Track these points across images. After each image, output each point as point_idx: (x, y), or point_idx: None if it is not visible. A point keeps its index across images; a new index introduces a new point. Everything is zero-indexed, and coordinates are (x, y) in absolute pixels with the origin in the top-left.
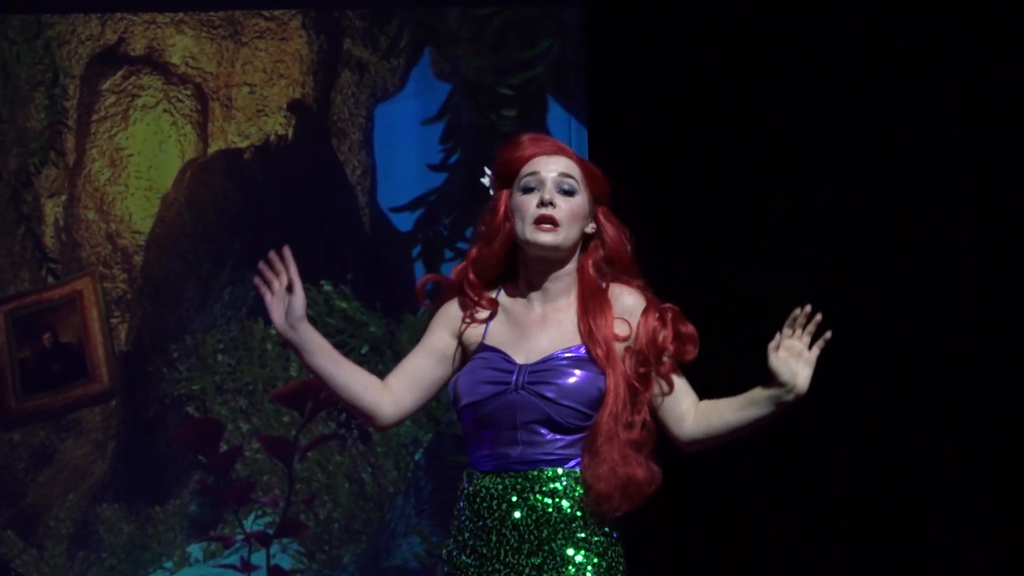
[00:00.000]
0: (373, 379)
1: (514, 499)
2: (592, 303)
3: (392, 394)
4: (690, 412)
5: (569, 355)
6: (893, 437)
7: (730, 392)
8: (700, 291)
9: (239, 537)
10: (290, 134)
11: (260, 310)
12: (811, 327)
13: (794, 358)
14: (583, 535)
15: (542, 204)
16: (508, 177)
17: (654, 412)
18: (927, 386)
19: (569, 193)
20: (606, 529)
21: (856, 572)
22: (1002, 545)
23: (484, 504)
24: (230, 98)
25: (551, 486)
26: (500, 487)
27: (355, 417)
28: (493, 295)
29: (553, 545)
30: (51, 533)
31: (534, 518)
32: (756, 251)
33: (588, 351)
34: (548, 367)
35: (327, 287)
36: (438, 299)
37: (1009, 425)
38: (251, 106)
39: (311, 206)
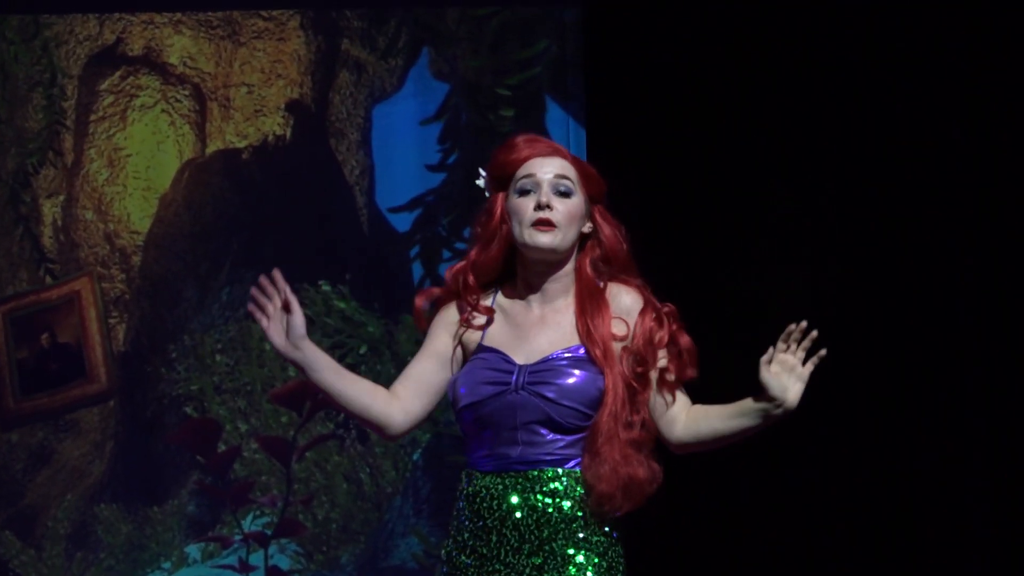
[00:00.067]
0: (380, 389)
1: (514, 499)
2: (590, 303)
3: (401, 402)
4: (681, 415)
5: (568, 355)
6: (893, 437)
7: (726, 392)
8: (699, 292)
9: (237, 537)
10: (288, 134)
11: None
12: (806, 343)
13: (786, 373)
14: (583, 535)
15: (539, 207)
16: (504, 179)
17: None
18: (927, 386)
19: (565, 194)
20: (606, 529)
21: (856, 572)
22: (1002, 545)
23: (484, 504)
24: (228, 98)
25: (551, 486)
26: (500, 487)
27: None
28: (491, 297)
29: (554, 545)
30: (49, 533)
31: (535, 518)
32: (755, 251)
33: (587, 351)
34: (548, 367)
35: (325, 287)
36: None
37: (1009, 425)
38: (249, 106)
39: (309, 206)
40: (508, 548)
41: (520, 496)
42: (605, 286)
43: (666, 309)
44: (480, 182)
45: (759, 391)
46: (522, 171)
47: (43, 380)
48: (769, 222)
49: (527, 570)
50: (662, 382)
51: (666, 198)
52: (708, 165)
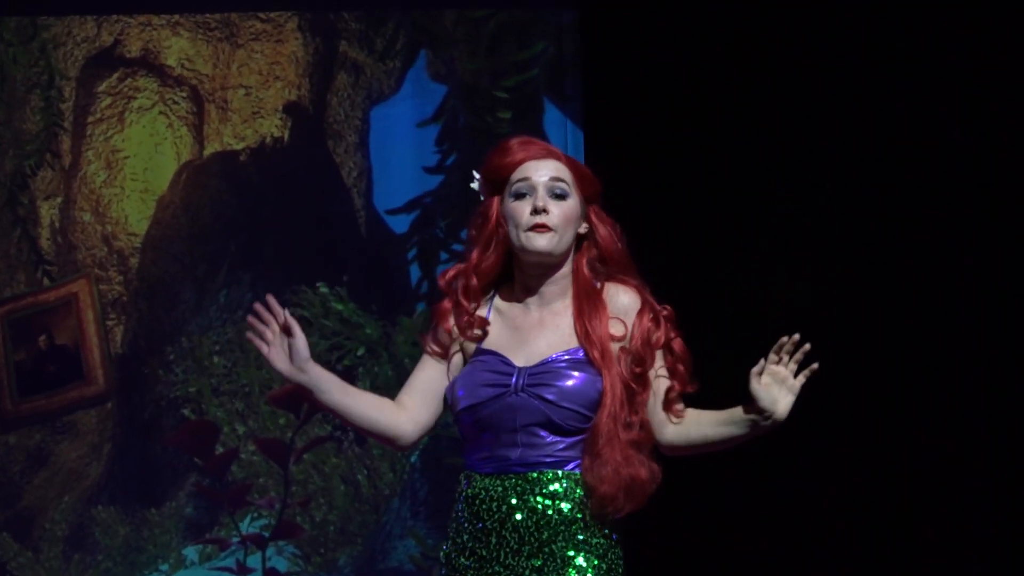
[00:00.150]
0: (386, 402)
1: (514, 501)
2: (587, 304)
3: (408, 412)
4: (671, 420)
5: (568, 358)
6: (893, 437)
7: (725, 392)
8: (698, 293)
9: (235, 539)
10: (286, 136)
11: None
12: (798, 355)
13: (777, 384)
14: (583, 537)
15: (535, 211)
16: (498, 183)
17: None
18: (927, 386)
19: (561, 196)
20: (606, 531)
21: (856, 572)
22: (1002, 545)
23: (484, 506)
24: (226, 100)
25: (551, 488)
26: (500, 489)
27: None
28: (488, 301)
29: (554, 547)
30: (47, 535)
31: (534, 520)
32: (754, 252)
33: (586, 353)
34: (547, 369)
35: (323, 289)
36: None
37: (1009, 425)
38: (247, 108)
39: (307, 208)
40: (508, 550)
41: (520, 498)
42: (602, 286)
43: (664, 312)
44: (474, 185)
45: (749, 402)
46: (517, 174)
47: (41, 382)
48: (768, 223)
49: (527, 572)
50: (667, 395)
51: (664, 199)
52: (706, 166)
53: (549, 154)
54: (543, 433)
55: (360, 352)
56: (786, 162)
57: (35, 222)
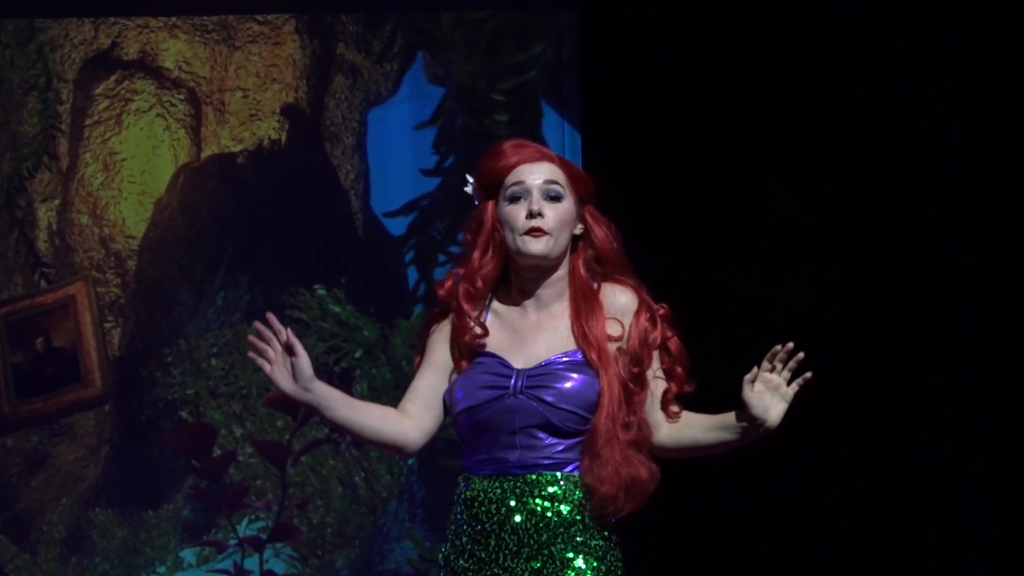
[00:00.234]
0: (390, 411)
1: (513, 503)
2: (584, 305)
3: (413, 419)
4: (667, 421)
5: (566, 359)
6: (893, 437)
7: (722, 393)
8: (696, 296)
9: (232, 542)
10: (283, 138)
11: (253, 314)
12: (792, 363)
13: (770, 392)
14: (582, 539)
15: (531, 215)
16: (493, 187)
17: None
18: (927, 386)
19: (556, 199)
20: (605, 533)
21: (856, 572)
22: (1002, 545)
23: (483, 508)
24: (223, 102)
25: (549, 490)
26: (499, 491)
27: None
28: (486, 303)
29: (553, 549)
30: (44, 538)
31: (533, 522)
32: (752, 254)
33: (584, 355)
34: (546, 371)
35: (320, 291)
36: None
37: (1009, 425)
38: (244, 110)
39: (304, 210)
40: (507, 552)
41: (519, 500)
42: (599, 286)
43: (661, 311)
44: (468, 189)
45: (741, 408)
46: (511, 178)
47: (38, 384)
48: (766, 224)
49: (526, 574)
50: (664, 396)
51: (661, 201)
52: (704, 169)
53: (542, 156)
54: (542, 435)
55: (358, 354)
56: (784, 163)
57: (32, 224)
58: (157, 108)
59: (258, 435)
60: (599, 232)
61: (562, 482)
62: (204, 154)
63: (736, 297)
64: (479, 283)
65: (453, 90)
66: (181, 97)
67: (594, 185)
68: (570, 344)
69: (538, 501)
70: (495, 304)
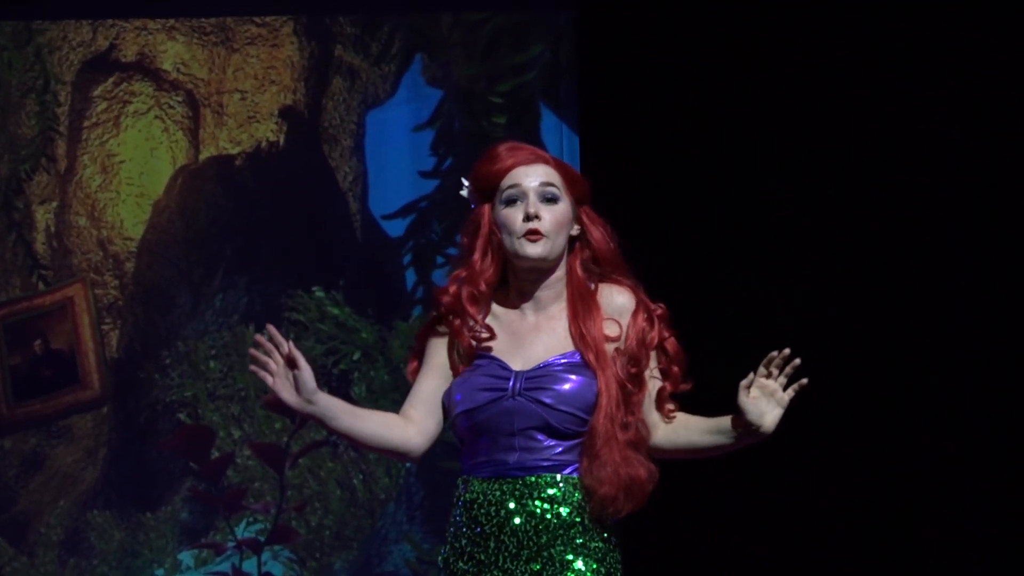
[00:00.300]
0: (392, 417)
1: (512, 505)
2: (581, 306)
3: (416, 425)
4: (663, 421)
5: (565, 361)
6: (893, 438)
7: (719, 393)
8: (695, 298)
9: (230, 544)
10: (281, 140)
11: (252, 316)
12: (788, 369)
13: (765, 397)
14: (582, 541)
15: (527, 218)
16: (488, 191)
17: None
18: (927, 386)
19: (552, 201)
20: (605, 535)
21: (855, 573)
22: (1002, 545)
23: (482, 511)
24: (221, 104)
25: (549, 492)
26: (498, 493)
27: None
28: (489, 307)
29: (552, 551)
30: (42, 540)
31: (533, 524)
32: (750, 256)
33: (582, 356)
34: (545, 373)
35: (319, 293)
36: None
37: (1009, 425)
38: (242, 112)
39: (302, 212)
40: (506, 554)
41: (518, 502)
42: (596, 287)
43: (658, 311)
44: (464, 192)
45: (736, 414)
46: (507, 181)
47: (36, 386)
48: (765, 226)
49: None
50: (659, 395)
51: (660, 204)
52: (702, 170)
53: (538, 158)
54: (541, 437)
55: (356, 356)
56: (782, 165)
57: (30, 226)
58: (155, 110)
59: (256, 437)
60: (595, 233)
61: (561, 484)
62: (202, 156)
63: (734, 298)
64: (483, 286)
65: (451, 92)
66: (179, 99)
67: (589, 186)
68: (568, 345)
69: (537, 503)
70: (493, 306)
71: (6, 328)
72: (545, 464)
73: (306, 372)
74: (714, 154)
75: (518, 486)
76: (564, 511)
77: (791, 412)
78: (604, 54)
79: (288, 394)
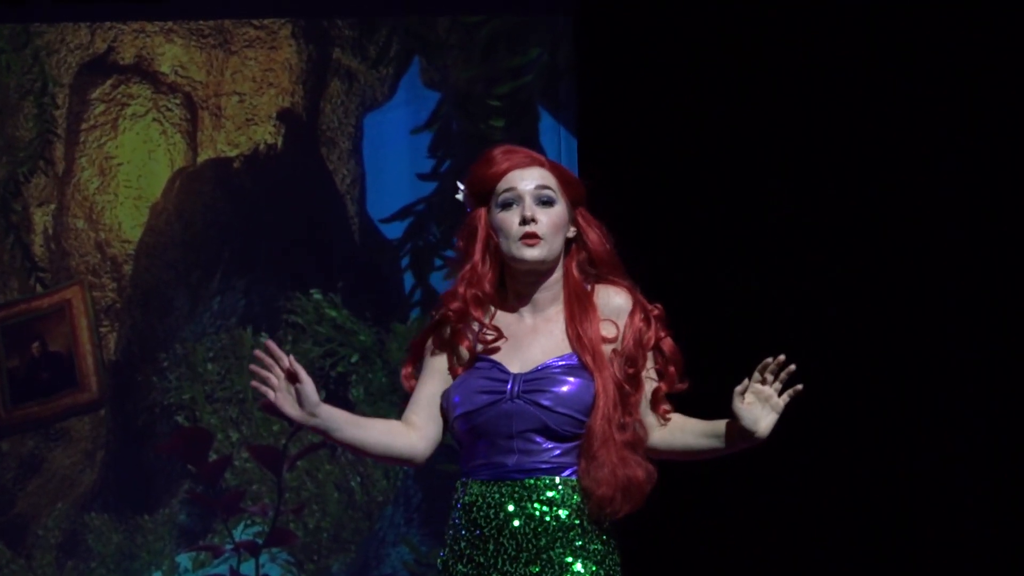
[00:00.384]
0: (395, 424)
1: (511, 508)
2: (578, 308)
3: (418, 431)
4: (659, 423)
5: (562, 363)
6: (892, 438)
7: (719, 395)
8: (693, 300)
9: (228, 547)
10: (279, 143)
11: (250, 318)
12: (783, 375)
13: (760, 403)
14: (581, 543)
15: (524, 221)
16: (484, 194)
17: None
18: (927, 386)
19: (548, 203)
20: (604, 537)
21: (855, 573)
22: (1002, 545)
23: (481, 513)
24: (219, 107)
25: (547, 495)
26: (497, 496)
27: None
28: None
29: (552, 553)
30: (39, 542)
31: (532, 527)
32: (748, 259)
33: (579, 357)
34: (543, 375)
35: (316, 296)
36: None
37: (1009, 425)
38: (240, 115)
39: (300, 215)
40: (505, 557)
41: (517, 505)
42: (593, 288)
43: (655, 312)
44: (459, 196)
45: (732, 417)
46: (503, 184)
47: (34, 389)
48: (762, 228)
49: None
50: (655, 395)
51: (658, 206)
52: (700, 172)
53: (533, 161)
54: (539, 439)
55: (354, 359)
56: (780, 167)
57: (28, 229)
58: (153, 113)
59: (254, 440)
60: (592, 234)
61: (560, 486)
62: (200, 159)
63: (732, 299)
64: (487, 288)
65: (449, 94)
66: (177, 102)
67: (585, 187)
68: (565, 348)
69: (536, 505)
70: (491, 308)
71: (4, 331)
72: (544, 466)
73: (308, 385)
74: (712, 156)
75: (517, 488)
76: (563, 513)
77: (791, 412)
78: (602, 56)
79: (291, 408)
